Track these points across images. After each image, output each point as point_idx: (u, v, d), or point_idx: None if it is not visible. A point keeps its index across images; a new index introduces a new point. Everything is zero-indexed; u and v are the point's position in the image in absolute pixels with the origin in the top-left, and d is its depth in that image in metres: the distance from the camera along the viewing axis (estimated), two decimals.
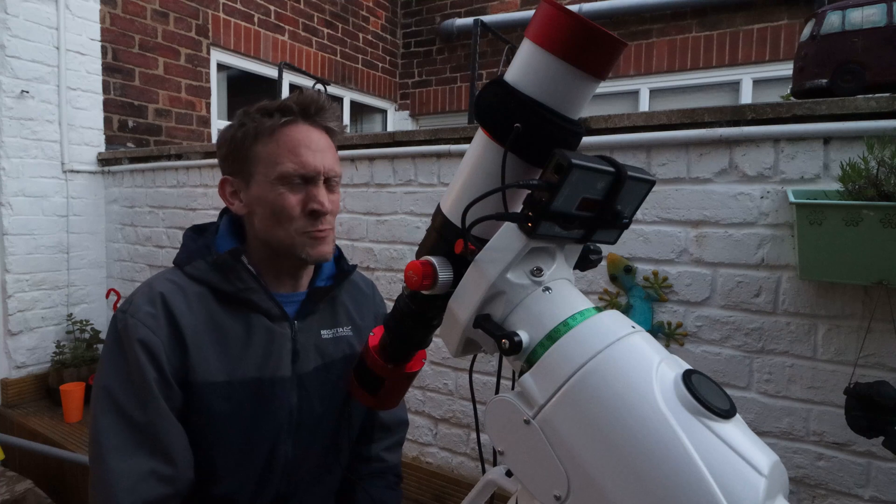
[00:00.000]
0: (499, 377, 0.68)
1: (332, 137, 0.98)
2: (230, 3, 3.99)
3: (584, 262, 0.63)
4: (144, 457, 0.84)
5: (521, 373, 0.53)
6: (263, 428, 0.94)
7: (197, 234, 1.01)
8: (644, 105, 4.42)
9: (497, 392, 0.57)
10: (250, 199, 0.95)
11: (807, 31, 1.57)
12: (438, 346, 2.00)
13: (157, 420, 0.86)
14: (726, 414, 0.46)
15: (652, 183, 0.57)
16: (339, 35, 4.94)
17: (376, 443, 1.15)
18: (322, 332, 1.03)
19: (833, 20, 1.50)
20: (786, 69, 3.70)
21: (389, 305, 0.80)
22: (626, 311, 1.67)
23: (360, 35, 5.16)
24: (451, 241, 0.59)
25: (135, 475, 0.83)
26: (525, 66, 0.53)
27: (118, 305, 0.96)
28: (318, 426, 1.00)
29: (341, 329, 1.06)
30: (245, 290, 0.94)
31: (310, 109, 0.93)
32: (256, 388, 0.93)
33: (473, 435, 2.01)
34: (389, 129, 5.56)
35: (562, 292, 0.57)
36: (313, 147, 0.92)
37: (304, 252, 0.94)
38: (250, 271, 0.95)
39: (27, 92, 2.85)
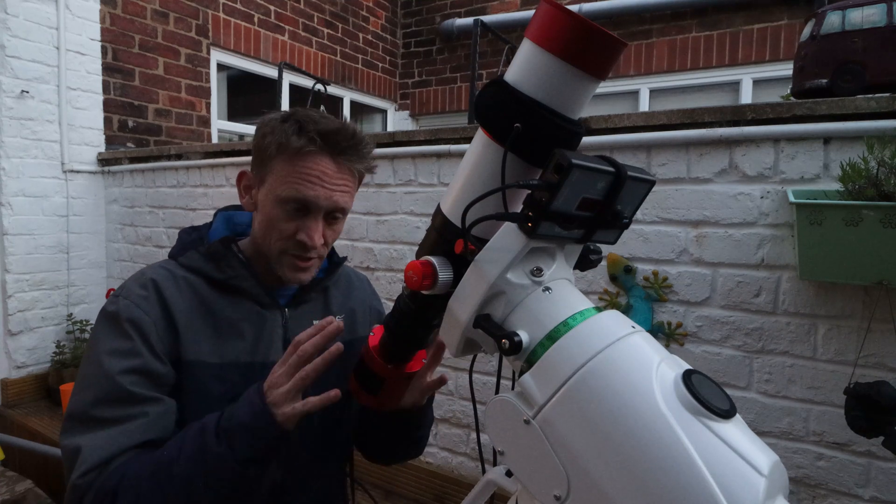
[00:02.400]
0: (499, 377, 0.68)
1: (355, 178, 0.96)
2: (230, 3, 3.99)
3: (584, 262, 0.63)
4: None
5: (521, 373, 0.53)
6: None
7: (192, 230, 1.05)
8: (644, 105, 4.42)
9: (497, 392, 0.57)
10: (257, 200, 0.97)
11: (807, 31, 1.57)
12: None
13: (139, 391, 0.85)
14: (726, 414, 0.46)
15: (652, 183, 0.57)
16: (339, 35, 4.93)
17: None
18: (314, 322, 1.04)
19: (833, 20, 1.50)
20: (786, 69, 3.70)
21: (389, 305, 0.81)
22: (626, 311, 1.67)
23: (360, 35, 5.15)
24: (451, 241, 0.59)
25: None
26: (525, 66, 0.53)
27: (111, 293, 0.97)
28: (314, 412, 1.01)
29: (334, 319, 1.07)
30: (235, 277, 0.95)
31: (339, 145, 0.91)
32: (248, 371, 0.94)
33: (473, 435, 2.00)
34: (389, 129, 5.56)
35: (562, 292, 0.57)
36: (326, 181, 0.91)
37: (281, 271, 0.95)
38: (241, 259, 0.97)
39: (27, 92, 2.85)
